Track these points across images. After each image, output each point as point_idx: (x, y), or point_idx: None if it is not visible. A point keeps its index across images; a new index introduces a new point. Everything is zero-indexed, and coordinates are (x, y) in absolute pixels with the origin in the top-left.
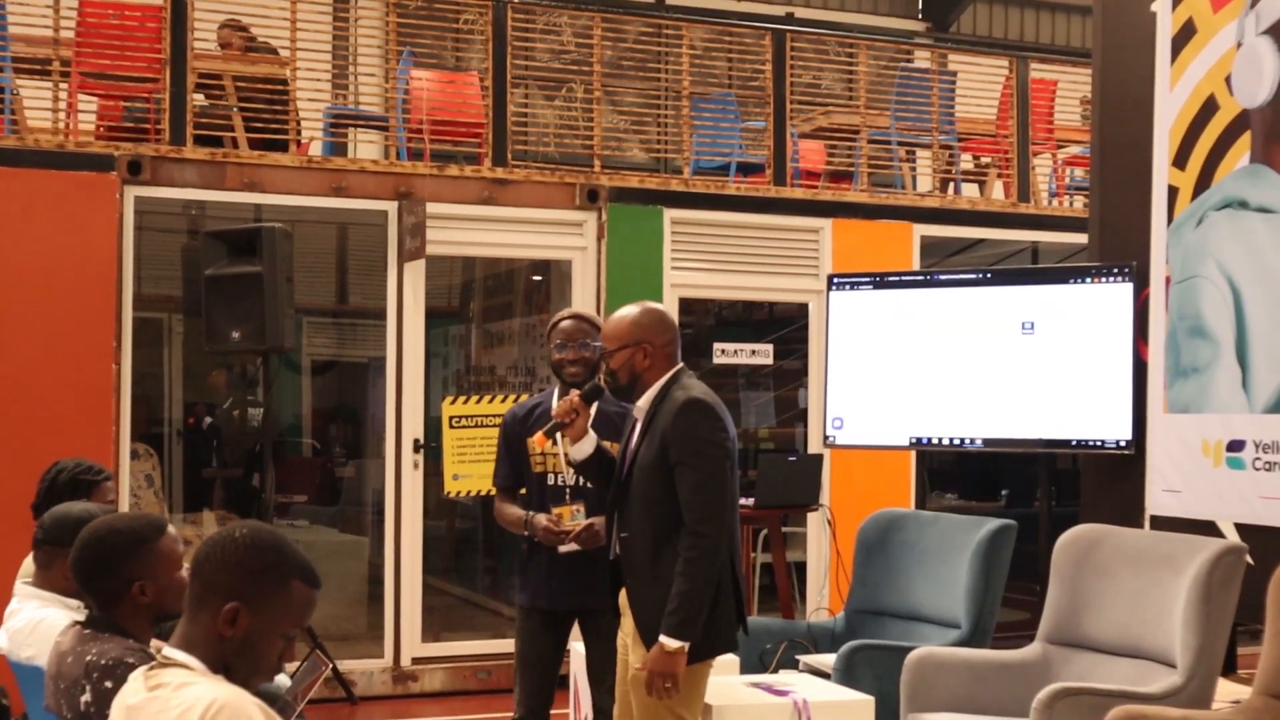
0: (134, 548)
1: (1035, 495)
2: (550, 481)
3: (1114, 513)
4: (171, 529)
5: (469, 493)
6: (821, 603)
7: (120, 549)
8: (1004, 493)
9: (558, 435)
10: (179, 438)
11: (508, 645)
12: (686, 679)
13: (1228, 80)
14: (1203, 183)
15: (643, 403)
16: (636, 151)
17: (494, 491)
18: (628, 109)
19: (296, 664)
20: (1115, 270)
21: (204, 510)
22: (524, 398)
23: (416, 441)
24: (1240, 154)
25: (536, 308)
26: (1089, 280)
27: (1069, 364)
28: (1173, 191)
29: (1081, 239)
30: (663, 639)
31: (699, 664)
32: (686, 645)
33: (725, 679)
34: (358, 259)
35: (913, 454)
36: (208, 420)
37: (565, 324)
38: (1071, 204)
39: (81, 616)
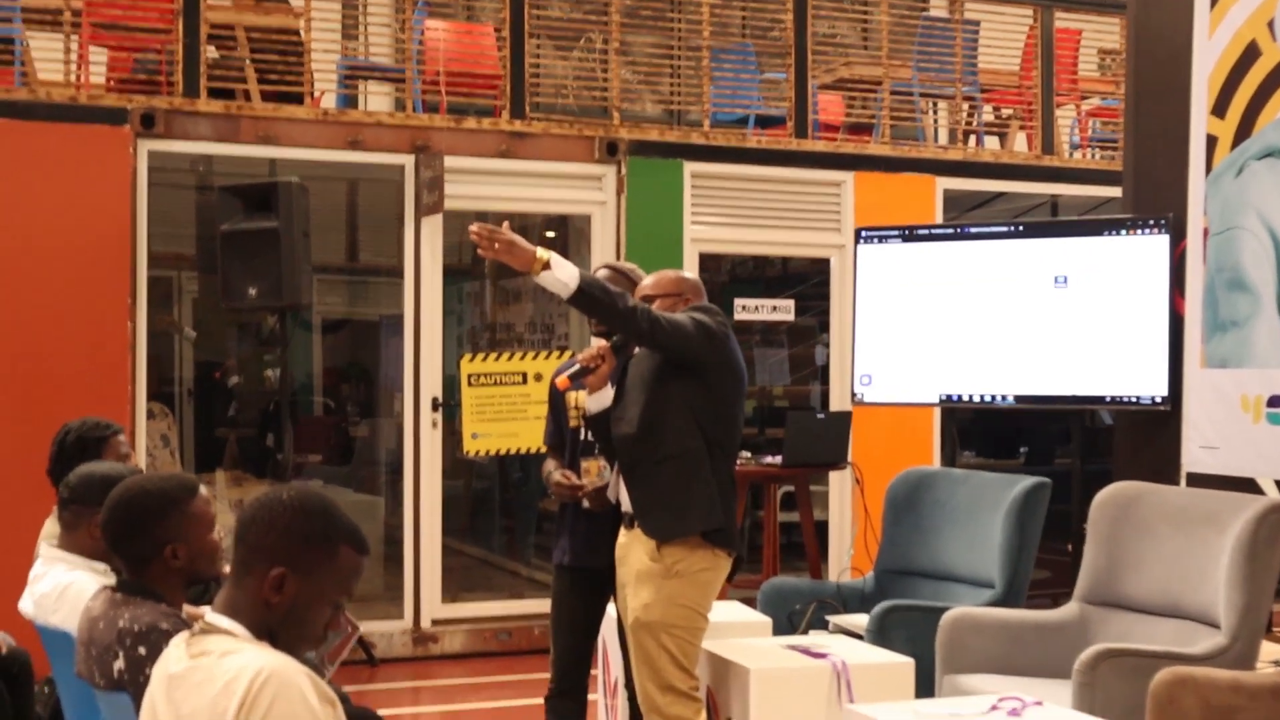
0: (165, 509)
1: (1055, 453)
2: (581, 436)
3: (1148, 470)
4: (204, 489)
5: (488, 452)
6: (846, 562)
7: (151, 510)
8: (1023, 450)
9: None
10: (189, 397)
11: (527, 606)
12: (685, 611)
13: (1270, 25)
14: (1243, 131)
15: None
16: (648, 105)
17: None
18: (644, 60)
19: None
20: (1151, 222)
21: (216, 470)
22: (545, 355)
23: (435, 400)
24: None
25: None
26: (1124, 232)
27: (1103, 318)
28: (1211, 141)
29: (1104, 192)
30: (553, 256)
31: (704, 563)
32: (568, 283)
33: (759, 641)
34: (368, 215)
35: (936, 411)
36: (234, 379)
37: (597, 274)
38: (1095, 156)
39: (108, 579)
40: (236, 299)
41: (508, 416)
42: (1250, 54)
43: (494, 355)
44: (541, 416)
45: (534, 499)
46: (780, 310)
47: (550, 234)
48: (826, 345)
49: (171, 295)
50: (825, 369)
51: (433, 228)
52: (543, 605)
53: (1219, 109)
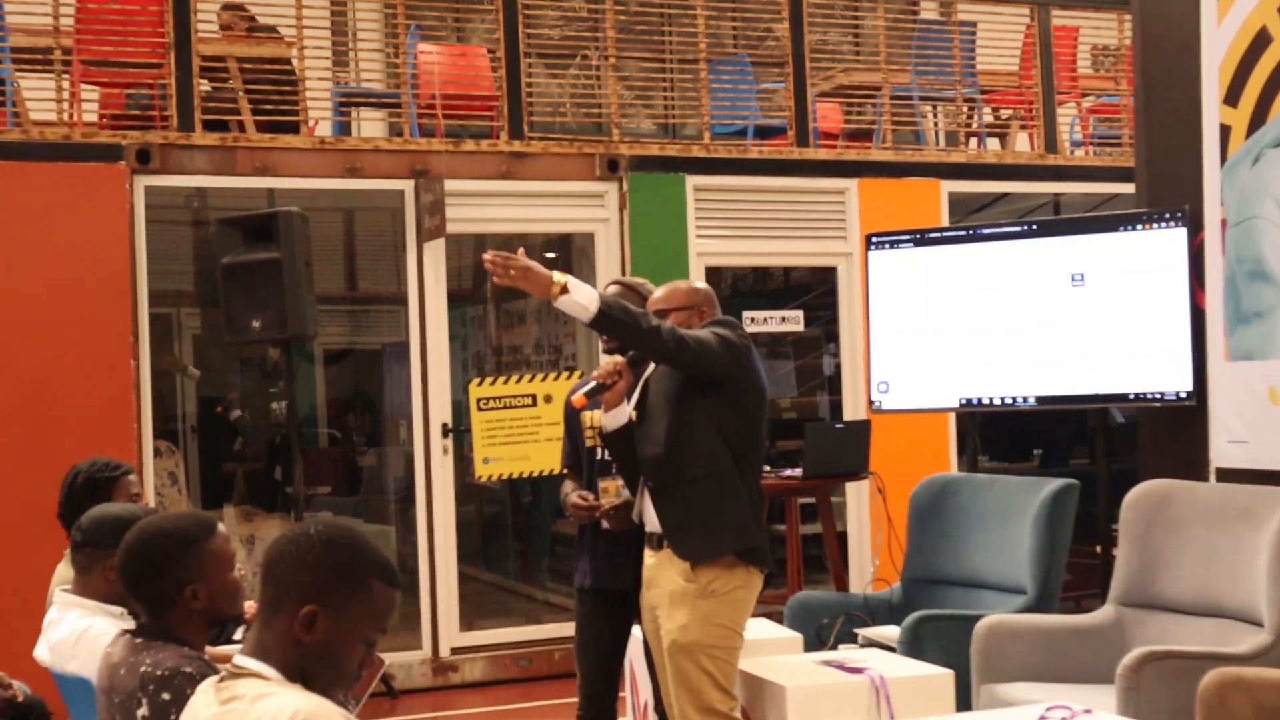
0: (183, 549)
1: (1069, 455)
2: (598, 456)
3: (1176, 467)
4: (222, 527)
5: (500, 475)
6: (871, 573)
7: (169, 551)
8: (1036, 453)
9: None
10: (192, 433)
11: (546, 631)
12: (723, 631)
13: None
14: (1257, 119)
15: None
16: (643, 121)
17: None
18: (641, 75)
19: None
20: (1167, 215)
21: (225, 505)
22: (555, 376)
23: (445, 426)
24: None
25: None
26: (1140, 227)
27: (1123, 315)
28: (1225, 130)
29: (1108, 189)
30: (573, 283)
31: (738, 581)
32: (588, 306)
33: (792, 657)
34: (365, 243)
35: (951, 417)
36: (236, 413)
37: (606, 290)
38: (1095, 154)
39: (125, 623)
40: (240, 332)
41: (519, 439)
42: (1261, 41)
43: (502, 378)
44: (553, 438)
45: (546, 521)
46: (789, 321)
47: (550, 255)
48: (834, 355)
49: (171, 332)
50: (832, 379)
51: (435, 252)
52: (562, 629)
53: (1231, 98)
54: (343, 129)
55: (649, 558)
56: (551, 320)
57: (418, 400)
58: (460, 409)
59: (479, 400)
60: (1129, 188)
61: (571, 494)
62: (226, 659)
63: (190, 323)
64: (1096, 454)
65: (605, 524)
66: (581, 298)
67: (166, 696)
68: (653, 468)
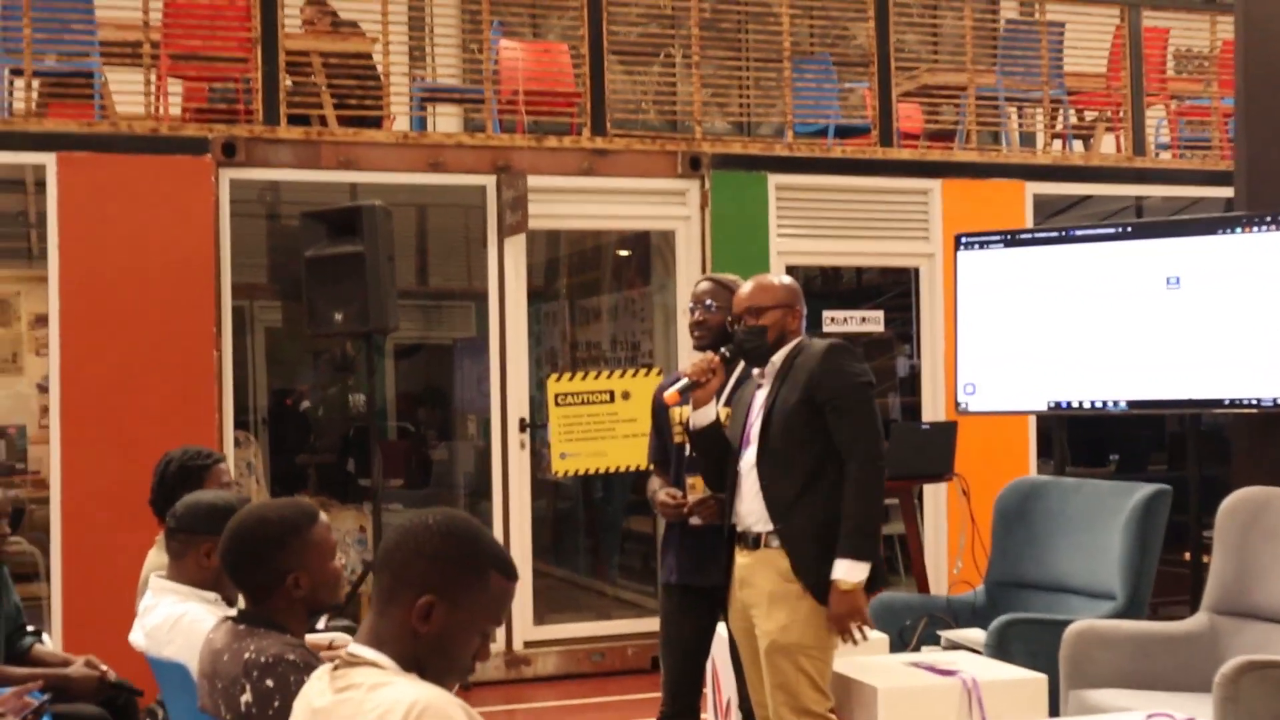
0: (286, 538)
1: (1146, 461)
2: (687, 452)
3: (1270, 474)
4: (324, 516)
5: (577, 471)
6: (942, 575)
7: (271, 539)
8: (1113, 458)
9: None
10: (264, 425)
11: (618, 627)
12: (821, 631)
13: None
14: None
15: (776, 359)
16: (718, 120)
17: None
18: (718, 74)
19: None
20: (1268, 218)
21: (297, 496)
22: (633, 373)
23: (522, 421)
24: None
25: (627, 282)
26: (1239, 230)
27: (1219, 319)
28: None
29: (1195, 191)
30: (841, 573)
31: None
32: (868, 570)
33: (880, 658)
34: (437, 239)
35: (1031, 420)
36: (305, 404)
37: (698, 287)
38: (1184, 157)
39: (220, 609)
40: (323, 325)
41: (595, 435)
42: None
43: (580, 374)
44: (630, 434)
45: (618, 518)
46: (870, 321)
47: (622, 252)
48: (908, 356)
49: (245, 324)
50: (905, 380)
51: (516, 248)
52: (634, 625)
53: None
54: (421, 125)
55: (742, 557)
56: (628, 317)
57: (495, 395)
58: (534, 404)
59: (557, 396)
60: (1215, 191)
61: (660, 491)
62: (322, 647)
63: (263, 315)
64: (1174, 460)
65: (693, 520)
66: (855, 575)
67: (270, 683)
68: (770, 498)
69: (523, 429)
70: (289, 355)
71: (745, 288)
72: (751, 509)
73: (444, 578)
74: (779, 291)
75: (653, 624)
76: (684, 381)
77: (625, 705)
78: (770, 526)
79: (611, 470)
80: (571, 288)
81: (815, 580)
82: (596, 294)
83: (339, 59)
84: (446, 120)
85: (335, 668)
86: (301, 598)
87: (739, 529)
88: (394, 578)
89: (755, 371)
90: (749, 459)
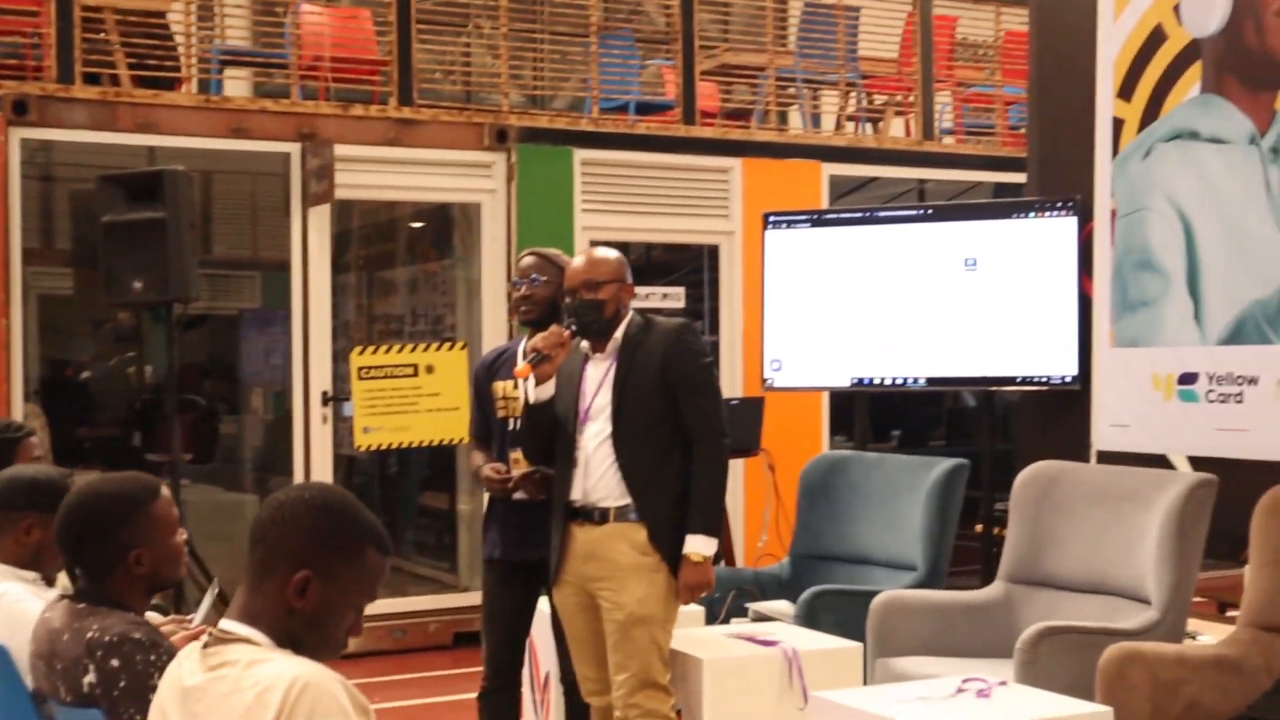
0: (128, 513)
1: (927, 436)
2: (510, 426)
3: (1058, 449)
4: (165, 490)
5: (380, 445)
6: (748, 549)
7: (113, 515)
8: (895, 434)
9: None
10: (35, 396)
11: (418, 603)
12: (670, 604)
13: (1176, 9)
14: (1150, 114)
15: (618, 335)
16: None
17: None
18: (528, 46)
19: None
20: (1059, 204)
21: (76, 469)
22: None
23: (325, 394)
24: (1190, 84)
25: (423, 255)
26: (1032, 215)
27: (1013, 300)
28: (1117, 124)
29: (978, 176)
30: (693, 546)
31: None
32: (716, 545)
33: (701, 631)
34: (221, 208)
35: (824, 396)
36: (85, 374)
37: (523, 261)
38: (967, 142)
39: (39, 588)
40: (121, 293)
41: (399, 409)
42: (1156, 38)
43: (384, 348)
44: (435, 409)
45: (413, 493)
46: (671, 298)
47: (416, 224)
48: (703, 333)
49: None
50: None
51: (320, 218)
52: (433, 601)
53: (1125, 92)
54: (218, 89)
55: (586, 532)
56: (429, 290)
57: (298, 368)
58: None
59: (360, 369)
60: (996, 175)
61: (484, 466)
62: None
63: (37, 282)
64: (952, 435)
65: (517, 494)
66: (706, 550)
67: (116, 663)
68: (627, 473)
69: (325, 403)
70: (66, 324)
71: (579, 262)
72: (600, 485)
73: (320, 552)
74: (615, 266)
75: (453, 599)
76: (535, 354)
77: (429, 681)
78: (622, 501)
79: (415, 444)
80: (367, 259)
81: (671, 552)
82: (393, 266)
83: (138, 17)
84: (236, 84)
85: (205, 645)
86: (143, 574)
87: (580, 504)
88: (269, 552)
89: (585, 345)
90: (595, 435)
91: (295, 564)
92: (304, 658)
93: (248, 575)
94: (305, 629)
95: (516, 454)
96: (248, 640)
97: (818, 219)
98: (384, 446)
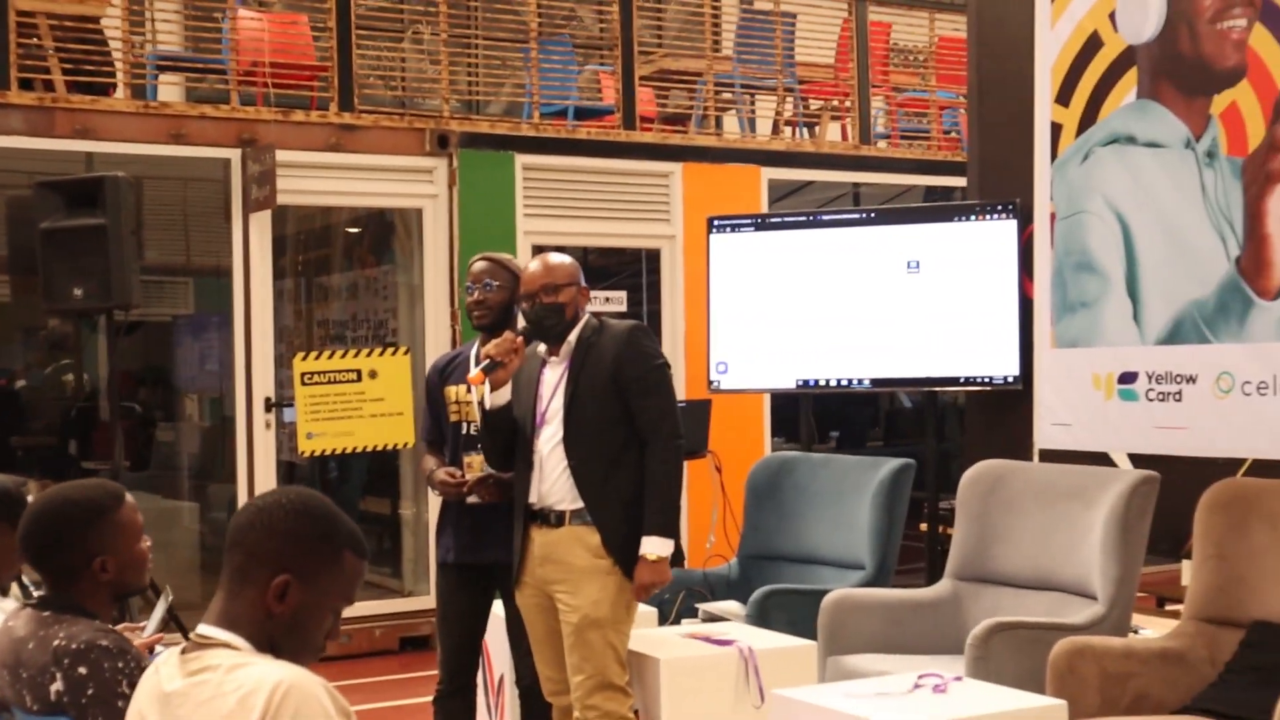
0: (93, 519)
1: (865, 437)
2: (463, 431)
3: (1000, 448)
4: (130, 497)
5: (323, 451)
6: (696, 549)
7: (78, 521)
8: (834, 434)
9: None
10: None
11: (363, 608)
12: (627, 605)
13: (1112, 16)
14: (1087, 119)
15: (571, 338)
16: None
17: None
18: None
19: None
20: (999, 207)
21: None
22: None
23: (268, 400)
24: (1126, 90)
25: (360, 260)
26: (973, 218)
27: (955, 302)
28: (1056, 128)
29: (915, 180)
30: (649, 547)
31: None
32: (672, 545)
33: (655, 631)
34: (154, 214)
35: (765, 398)
36: (19, 383)
37: (475, 266)
38: (910, 146)
39: None
40: (60, 300)
41: (342, 415)
42: (1093, 44)
43: (328, 353)
44: (379, 414)
45: (354, 498)
46: (612, 302)
47: (354, 229)
48: None
49: None
50: None
51: (261, 224)
52: (378, 606)
53: (1063, 97)
54: (153, 94)
55: (543, 535)
56: (370, 295)
57: (240, 374)
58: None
59: (303, 375)
60: (937, 180)
61: (438, 470)
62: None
63: None
64: (889, 435)
65: (471, 498)
66: (663, 550)
67: (84, 670)
68: (577, 451)
69: (268, 409)
70: (0, 332)
71: (536, 266)
72: (554, 488)
73: (299, 556)
74: (571, 270)
75: (398, 604)
76: (487, 361)
77: (377, 686)
78: (577, 505)
79: (359, 450)
80: (305, 264)
81: (624, 556)
82: (330, 271)
83: (73, 22)
84: (169, 89)
85: (184, 650)
86: (108, 581)
87: (538, 507)
88: (247, 556)
89: (541, 349)
90: (549, 438)
91: (275, 568)
92: (285, 661)
93: (225, 580)
94: (284, 633)
95: (470, 458)
96: (227, 645)
97: (762, 223)
98: (328, 452)
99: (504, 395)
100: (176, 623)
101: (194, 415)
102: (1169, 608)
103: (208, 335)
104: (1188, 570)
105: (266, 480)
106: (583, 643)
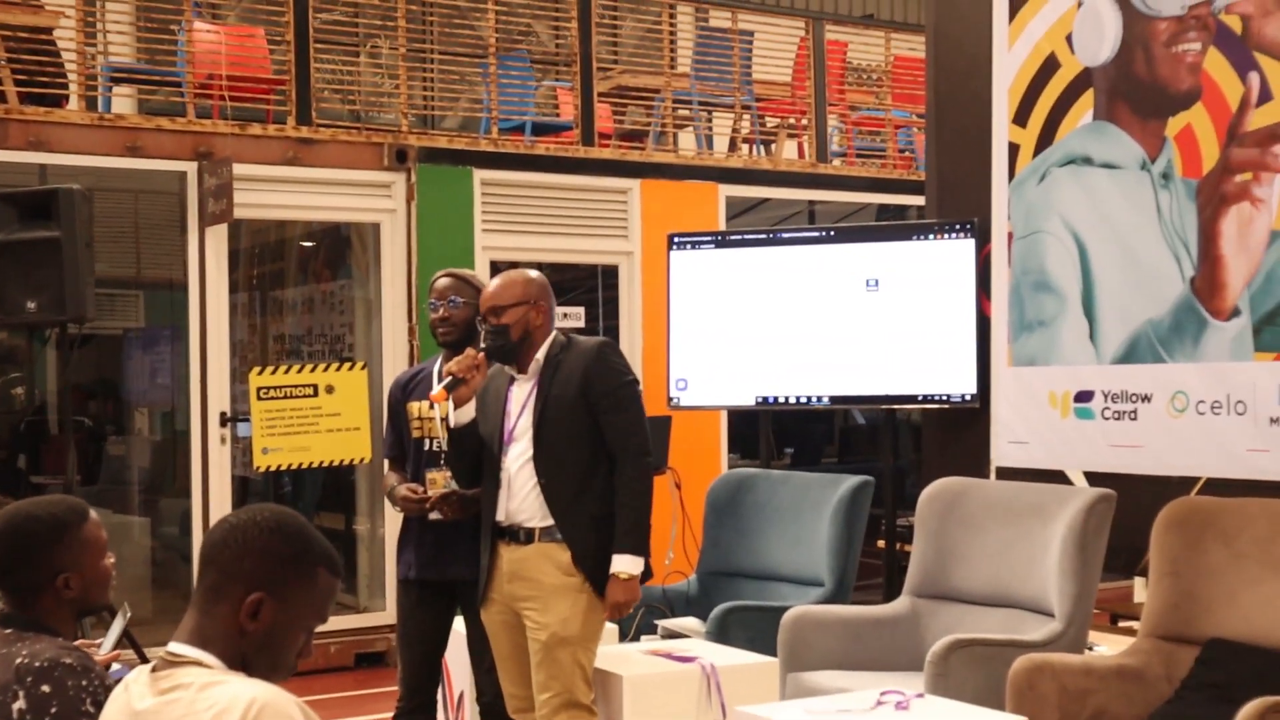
0: (57, 535)
1: (820, 454)
2: (426, 447)
3: (958, 465)
4: (94, 513)
5: (279, 466)
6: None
7: (41, 537)
8: (788, 451)
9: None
10: None
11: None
12: (597, 623)
13: (1068, 39)
14: (1045, 139)
15: (540, 356)
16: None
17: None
18: (424, 67)
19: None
20: (957, 226)
21: None
22: (337, 367)
23: (223, 415)
24: (1083, 111)
25: (316, 275)
26: (931, 237)
27: (913, 320)
28: (1013, 149)
29: (871, 198)
30: (621, 565)
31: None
32: (643, 562)
33: (616, 648)
34: (105, 227)
35: (722, 416)
36: None
37: (439, 282)
38: (865, 165)
39: None
40: (13, 312)
41: (298, 430)
42: (1050, 66)
43: (284, 368)
44: (335, 429)
45: (307, 513)
46: (571, 318)
47: (308, 243)
48: None
49: None
50: None
51: (217, 238)
52: (333, 622)
53: (1020, 118)
54: (107, 106)
55: (512, 552)
56: (326, 309)
57: (195, 388)
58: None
59: (259, 389)
60: (892, 198)
61: (400, 486)
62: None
63: None
64: (843, 452)
65: (433, 515)
66: (634, 568)
67: (47, 689)
68: (549, 493)
69: (224, 423)
70: None
71: (490, 286)
72: (523, 506)
73: (273, 574)
74: (518, 289)
75: (354, 620)
76: (449, 379)
77: (333, 703)
78: (546, 522)
79: (316, 464)
80: (259, 278)
81: (595, 573)
82: (285, 286)
83: (28, 33)
84: (122, 102)
85: (155, 669)
86: (71, 599)
87: (506, 524)
88: (221, 574)
89: (508, 366)
90: (517, 456)
91: (248, 586)
92: (257, 679)
93: (197, 597)
94: (257, 651)
95: (433, 474)
96: (199, 663)
97: (722, 240)
98: (284, 467)
99: (468, 413)
100: (130, 640)
101: (144, 429)
102: (1123, 624)
103: (159, 349)
104: (1140, 587)
105: (221, 495)
106: (551, 660)
